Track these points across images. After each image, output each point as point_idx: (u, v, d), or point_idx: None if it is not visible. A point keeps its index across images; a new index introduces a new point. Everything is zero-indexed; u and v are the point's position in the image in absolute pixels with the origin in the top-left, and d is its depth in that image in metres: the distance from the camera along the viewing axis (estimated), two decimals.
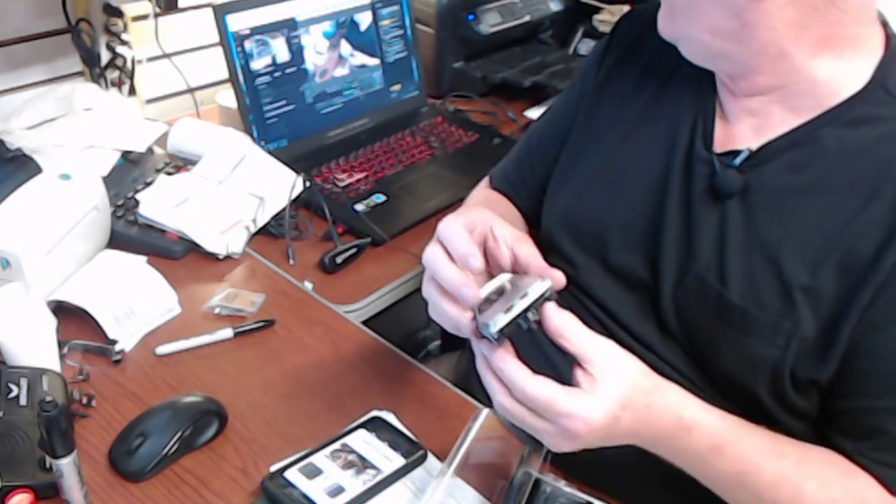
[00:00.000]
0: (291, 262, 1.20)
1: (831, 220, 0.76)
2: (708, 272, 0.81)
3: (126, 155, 1.31)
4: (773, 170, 0.80)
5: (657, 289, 0.85)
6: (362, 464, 0.83)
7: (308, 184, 1.29)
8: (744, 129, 0.83)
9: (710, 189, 0.83)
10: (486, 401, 0.74)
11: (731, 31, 0.77)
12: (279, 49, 1.41)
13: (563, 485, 0.80)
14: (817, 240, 0.76)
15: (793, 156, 0.79)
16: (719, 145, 0.85)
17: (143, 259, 1.11)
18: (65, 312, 1.00)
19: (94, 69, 1.45)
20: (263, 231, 1.25)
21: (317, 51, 1.46)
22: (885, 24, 0.81)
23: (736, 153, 0.82)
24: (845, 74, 0.78)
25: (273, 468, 0.83)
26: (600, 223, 0.91)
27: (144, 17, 1.50)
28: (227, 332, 1.03)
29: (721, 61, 0.82)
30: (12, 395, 0.85)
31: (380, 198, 1.34)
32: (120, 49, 1.47)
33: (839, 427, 0.77)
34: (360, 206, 1.31)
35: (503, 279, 0.71)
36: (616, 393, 0.65)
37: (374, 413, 0.91)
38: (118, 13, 1.45)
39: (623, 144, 0.93)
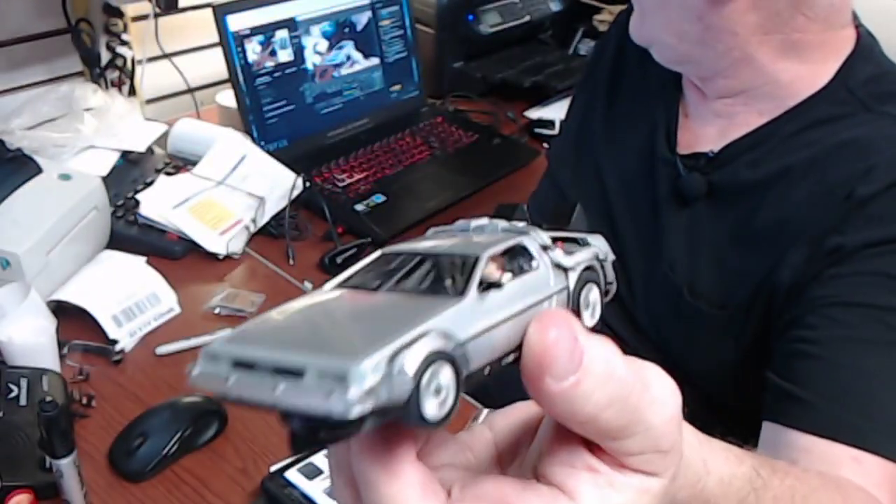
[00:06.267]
0: (291, 262, 1.20)
1: (796, 211, 0.76)
2: (673, 272, 0.82)
3: (126, 155, 1.31)
4: (737, 169, 0.81)
5: (630, 291, 0.86)
6: None
7: (308, 184, 1.29)
8: (710, 131, 0.85)
9: (674, 192, 0.84)
10: (486, 401, 0.74)
11: (696, 35, 0.78)
12: (279, 49, 1.40)
13: None
14: (783, 232, 0.77)
15: (755, 154, 0.80)
16: (683, 147, 0.86)
17: (142, 259, 1.11)
18: (65, 312, 0.99)
19: (94, 69, 1.44)
20: (263, 231, 1.25)
21: (317, 51, 1.46)
22: (857, 26, 0.81)
23: (699, 155, 0.83)
24: (810, 76, 0.78)
25: (273, 468, 0.83)
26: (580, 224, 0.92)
27: (144, 17, 1.50)
28: (227, 333, 1.03)
29: (689, 65, 0.83)
30: (12, 395, 0.85)
31: (380, 198, 1.34)
32: (120, 49, 1.47)
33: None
34: (360, 206, 1.31)
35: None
36: None
37: None
38: (118, 13, 1.45)
39: (606, 146, 0.95)
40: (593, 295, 0.34)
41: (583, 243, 0.35)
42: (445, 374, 0.25)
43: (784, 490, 0.44)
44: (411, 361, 0.24)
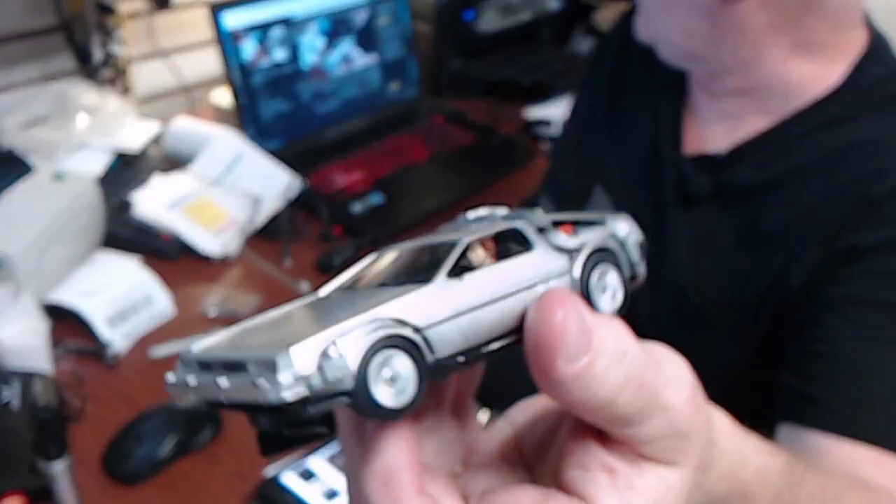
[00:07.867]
0: (287, 263, 1.19)
1: (806, 212, 0.75)
2: (678, 274, 0.82)
3: (120, 155, 1.30)
4: (744, 170, 0.80)
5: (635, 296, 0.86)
6: None
7: (305, 184, 1.29)
8: (716, 132, 0.84)
9: (680, 192, 0.83)
10: (486, 401, 0.73)
11: (704, 33, 0.77)
12: (275, 47, 1.39)
13: None
14: (793, 233, 0.76)
15: (763, 155, 0.79)
16: (689, 148, 0.85)
17: (137, 260, 1.10)
18: (58, 314, 0.99)
19: (87, 67, 1.44)
20: (259, 232, 1.24)
21: (313, 49, 1.45)
22: (869, 26, 0.80)
23: (706, 156, 0.82)
24: (820, 76, 0.77)
25: (268, 472, 0.82)
26: None
27: (138, 14, 1.49)
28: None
29: (695, 63, 0.82)
30: (4, 398, 0.85)
31: (377, 198, 1.33)
32: (114, 47, 1.46)
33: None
34: (357, 207, 1.30)
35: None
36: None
37: None
38: (111, 11, 1.44)
39: (609, 146, 0.93)
40: (611, 278, 0.32)
41: (599, 224, 0.34)
42: (400, 362, 0.25)
43: (817, 487, 0.43)
44: (349, 349, 0.24)
